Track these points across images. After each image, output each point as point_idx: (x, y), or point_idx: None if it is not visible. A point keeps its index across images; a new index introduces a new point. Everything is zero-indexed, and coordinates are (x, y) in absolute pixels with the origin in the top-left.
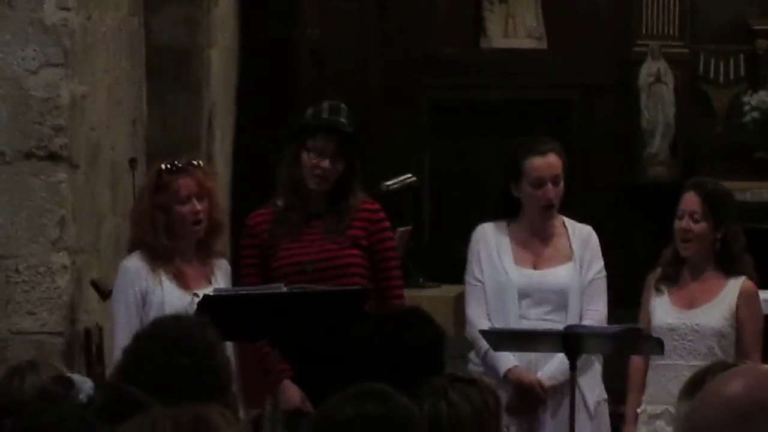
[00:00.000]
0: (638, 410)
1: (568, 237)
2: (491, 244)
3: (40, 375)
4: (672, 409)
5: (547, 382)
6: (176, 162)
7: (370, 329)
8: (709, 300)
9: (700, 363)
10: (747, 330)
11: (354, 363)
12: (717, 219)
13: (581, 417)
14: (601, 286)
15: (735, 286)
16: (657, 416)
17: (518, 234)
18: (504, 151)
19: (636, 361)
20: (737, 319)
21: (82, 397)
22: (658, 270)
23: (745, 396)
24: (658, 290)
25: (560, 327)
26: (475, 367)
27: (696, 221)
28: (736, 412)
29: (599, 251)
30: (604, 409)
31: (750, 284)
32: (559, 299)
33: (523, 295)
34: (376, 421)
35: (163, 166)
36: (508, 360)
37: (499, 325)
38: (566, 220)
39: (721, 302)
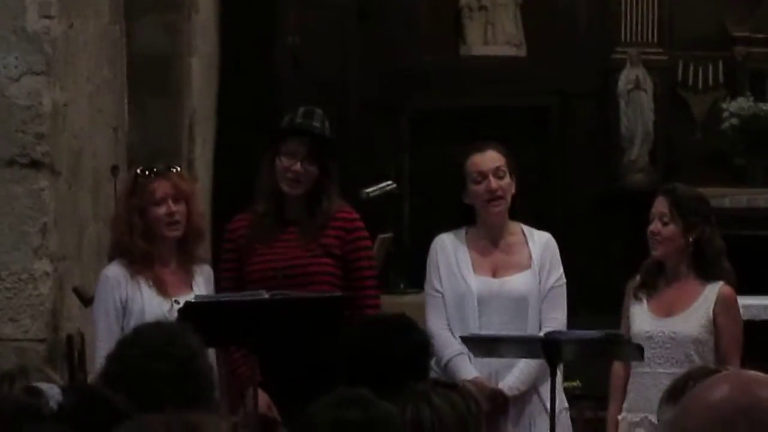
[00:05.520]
0: (619, 417)
1: (527, 244)
2: (449, 253)
3: (30, 381)
4: (651, 417)
5: (508, 392)
6: (153, 166)
7: (355, 334)
8: (686, 307)
9: (678, 370)
10: (725, 336)
11: (339, 368)
12: (687, 222)
13: (542, 425)
14: (561, 294)
15: (712, 291)
16: (636, 424)
17: (477, 242)
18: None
19: (617, 367)
20: (715, 326)
21: (52, 404)
22: (637, 277)
23: (729, 401)
24: (637, 298)
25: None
26: (434, 375)
27: (665, 224)
28: (720, 418)
29: (559, 259)
30: (566, 418)
31: (728, 289)
32: (518, 306)
33: (482, 303)
34: (357, 427)
35: (138, 170)
36: (469, 370)
37: (458, 334)
38: (524, 227)
39: (697, 309)
